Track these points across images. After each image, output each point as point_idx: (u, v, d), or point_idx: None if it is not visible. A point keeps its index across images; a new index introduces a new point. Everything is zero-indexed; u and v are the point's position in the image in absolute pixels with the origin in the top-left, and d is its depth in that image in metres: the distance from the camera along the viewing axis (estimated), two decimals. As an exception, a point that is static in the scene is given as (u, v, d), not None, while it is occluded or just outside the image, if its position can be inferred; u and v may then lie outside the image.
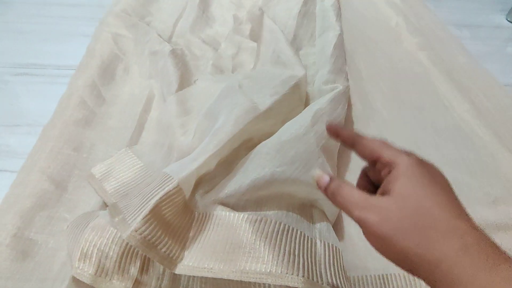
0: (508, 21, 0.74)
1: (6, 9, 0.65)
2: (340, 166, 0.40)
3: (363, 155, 0.20)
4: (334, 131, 0.23)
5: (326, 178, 0.20)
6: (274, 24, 0.50)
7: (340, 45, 0.49)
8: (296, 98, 0.40)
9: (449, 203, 0.16)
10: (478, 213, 0.37)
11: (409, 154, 0.18)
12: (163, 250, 0.26)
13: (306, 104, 0.42)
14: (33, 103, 0.47)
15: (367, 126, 0.46)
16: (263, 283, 0.25)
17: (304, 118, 0.34)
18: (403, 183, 0.17)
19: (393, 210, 0.16)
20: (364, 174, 0.21)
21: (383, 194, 0.17)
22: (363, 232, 0.18)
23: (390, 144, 0.19)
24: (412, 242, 0.15)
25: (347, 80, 0.44)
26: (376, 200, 0.17)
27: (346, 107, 0.40)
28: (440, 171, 0.18)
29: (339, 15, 0.53)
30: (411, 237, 0.15)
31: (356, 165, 0.41)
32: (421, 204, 0.16)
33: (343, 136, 0.22)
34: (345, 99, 0.40)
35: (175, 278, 0.29)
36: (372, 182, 0.21)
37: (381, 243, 0.17)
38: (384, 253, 0.17)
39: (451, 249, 0.15)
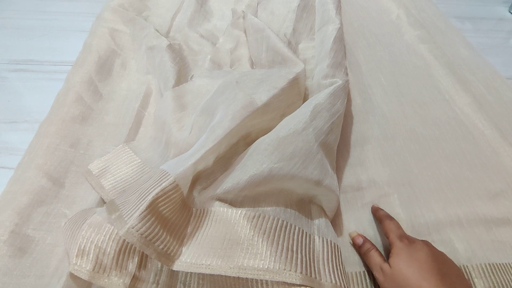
0: (511, 13, 0.73)
1: (3, 5, 0.64)
2: (339, 162, 0.40)
3: (383, 231, 0.32)
4: (374, 211, 0.36)
5: (360, 240, 0.32)
6: (260, 22, 0.49)
7: (339, 39, 0.48)
8: (294, 92, 0.39)
9: (426, 276, 0.25)
10: (478, 207, 0.37)
11: (402, 240, 0.29)
12: (161, 246, 0.26)
13: (305, 98, 0.41)
14: (31, 100, 0.47)
15: (367, 121, 0.46)
16: (260, 279, 0.25)
17: (302, 113, 0.34)
18: (396, 261, 0.27)
19: (390, 277, 0.27)
20: None
21: (388, 261, 0.28)
22: (378, 283, 0.29)
23: (397, 229, 0.31)
24: None
25: (347, 74, 0.43)
26: (384, 266, 0.28)
27: (346, 102, 0.40)
28: (423, 249, 0.28)
29: (339, 8, 0.52)
30: None
31: (355, 160, 0.41)
32: (406, 278, 0.26)
33: (377, 215, 0.35)
34: (345, 93, 0.40)
35: (173, 274, 0.29)
36: None
37: None
38: None
39: None
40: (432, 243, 0.30)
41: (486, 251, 0.33)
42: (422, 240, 0.29)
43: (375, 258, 0.29)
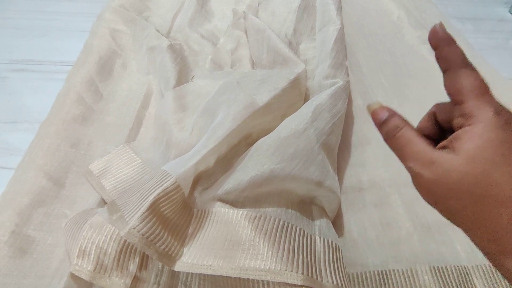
0: (511, 14, 0.73)
1: (3, 5, 0.64)
2: (340, 163, 0.40)
3: (448, 89, 0.16)
4: (436, 39, 0.17)
5: (384, 114, 0.18)
6: (261, 22, 0.49)
7: (340, 40, 0.48)
8: (295, 93, 0.39)
9: None
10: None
11: (499, 111, 0.15)
12: (162, 247, 0.26)
13: (306, 99, 0.41)
14: (31, 100, 0.47)
15: (368, 121, 0.46)
16: (262, 280, 0.25)
17: (303, 113, 0.34)
18: (476, 146, 0.14)
19: (455, 172, 0.14)
20: (432, 115, 0.19)
21: (447, 147, 0.15)
22: (413, 182, 0.16)
23: (487, 91, 0.16)
24: (469, 210, 0.14)
25: (348, 75, 0.43)
26: (439, 156, 0.15)
27: (347, 103, 0.40)
28: None
29: (339, 9, 0.52)
30: (468, 204, 0.14)
31: (356, 161, 0.41)
32: (489, 173, 0.14)
33: (441, 53, 0.17)
34: (346, 94, 0.40)
35: (174, 274, 0.29)
36: (438, 125, 0.18)
37: (433, 200, 0.16)
38: (435, 208, 0.16)
39: (505, 220, 0.13)
40: (434, 243, 0.29)
41: (487, 252, 0.33)
42: None
43: (415, 141, 0.16)
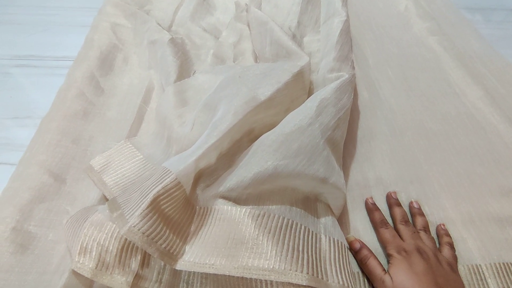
0: (524, 3, 0.71)
1: (5, 1, 0.64)
2: (345, 158, 0.39)
3: (378, 238, 0.32)
4: (368, 210, 0.34)
5: (357, 245, 0.31)
6: (264, 15, 0.48)
7: (346, 32, 0.47)
8: (299, 86, 0.38)
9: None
10: (490, 205, 0.36)
11: (400, 252, 0.29)
12: (163, 245, 0.25)
13: (310, 93, 0.40)
14: (33, 95, 0.47)
15: (374, 115, 0.45)
16: (265, 280, 0.24)
17: (308, 108, 0.33)
18: (397, 274, 0.27)
19: None
20: None
21: (388, 273, 0.28)
22: None
23: (393, 239, 0.30)
24: None
25: (353, 68, 0.42)
26: (385, 278, 0.28)
27: (352, 96, 0.38)
28: (420, 262, 0.28)
29: (345, 0, 0.51)
30: None
31: (362, 157, 0.40)
32: None
33: (371, 218, 0.34)
34: (351, 88, 0.39)
35: (176, 272, 0.29)
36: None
37: None
38: None
39: None
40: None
41: (500, 250, 0.32)
42: (417, 249, 0.29)
43: (375, 269, 0.29)
